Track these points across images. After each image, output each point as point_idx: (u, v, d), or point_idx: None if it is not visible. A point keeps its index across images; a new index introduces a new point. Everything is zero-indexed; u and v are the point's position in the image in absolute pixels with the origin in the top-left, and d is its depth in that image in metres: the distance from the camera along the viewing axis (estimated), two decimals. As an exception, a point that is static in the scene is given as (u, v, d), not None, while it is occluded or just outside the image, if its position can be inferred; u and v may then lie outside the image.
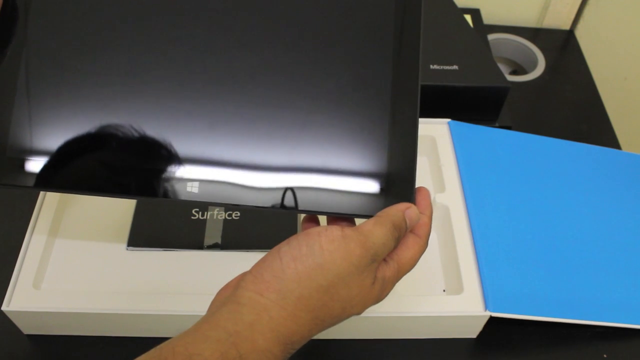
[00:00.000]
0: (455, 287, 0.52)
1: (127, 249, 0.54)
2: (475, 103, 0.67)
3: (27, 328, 0.51)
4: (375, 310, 0.49)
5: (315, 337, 0.51)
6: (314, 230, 0.33)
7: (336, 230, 0.32)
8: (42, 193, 0.55)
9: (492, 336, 0.52)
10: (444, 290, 0.53)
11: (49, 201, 0.54)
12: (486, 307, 0.49)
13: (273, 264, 0.32)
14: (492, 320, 0.50)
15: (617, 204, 0.60)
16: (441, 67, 0.67)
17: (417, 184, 0.62)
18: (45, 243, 0.52)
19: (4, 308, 0.47)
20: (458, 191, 0.57)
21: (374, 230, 0.33)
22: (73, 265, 0.52)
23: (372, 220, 0.34)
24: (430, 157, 0.62)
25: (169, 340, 0.31)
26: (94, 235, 0.54)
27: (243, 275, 0.34)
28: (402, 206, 0.35)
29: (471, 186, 0.57)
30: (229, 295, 0.33)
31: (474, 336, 0.52)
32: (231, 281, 0.35)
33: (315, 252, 0.32)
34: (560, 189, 0.60)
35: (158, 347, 0.31)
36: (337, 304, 0.33)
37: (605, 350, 0.52)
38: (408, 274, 0.55)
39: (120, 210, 0.56)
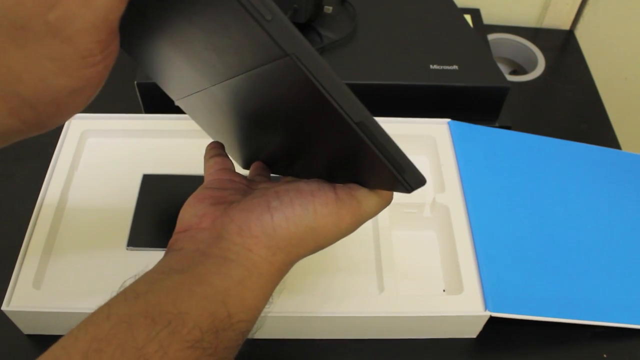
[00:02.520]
0: (455, 287, 0.52)
1: (127, 249, 0.54)
2: (475, 103, 0.67)
3: (27, 328, 0.51)
4: (375, 310, 0.49)
5: (315, 337, 0.52)
6: (306, 188, 0.32)
7: (330, 192, 0.32)
8: (41, 193, 0.55)
9: (492, 336, 0.52)
10: (444, 290, 0.53)
11: (49, 201, 0.55)
12: (486, 307, 0.49)
13: (263, 219, 0.31)
14: (492, 320, 0.50)
15: (617, 204, 0.60)
16: (441, 67, 0.67)
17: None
18: (45, 243, 0.52)
19: (4, 308, 0.47)
20: (458, 191, 0.57)
21: (368, 197, 0.33)
22: (73, 265, 0.52)
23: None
24: (430, 157, 0.62)
25: (144, 287, 0.30)
26: (94, 235, 0.54)
27: (222, 219, 0.33)
28: None
29: (471, 186, 0.57)
30: (209, 242, 0.32)
31: (474, 336, 0.52)
32: (201, 218, 0.34)
33: (309, 215, 0.32)
34: (560, 189, 0.60)
35: (134, 292, 0.29)
36: (315, 250, 0.34)
37: (605, 350, 0.52)
38: (408, 274, 0.55)
39: (120, 210, 0.56)
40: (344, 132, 0.28)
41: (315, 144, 0.34)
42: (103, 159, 0.60)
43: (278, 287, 0.33)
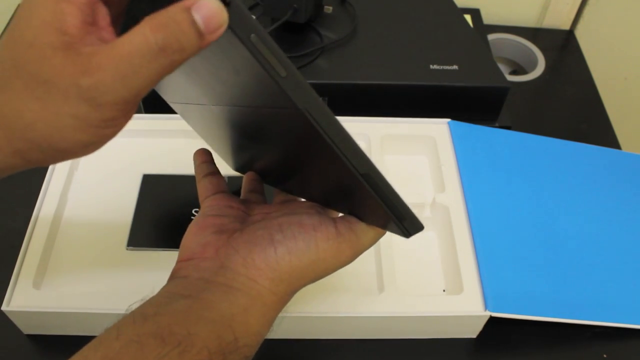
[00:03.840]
0: (455, 287, 0.52)
1: (127, 249, 0.54)
2: (475, 103, 0.67)
3: (27, 328, 0.51)
4: (375, 310, 0.49)
5: (315, 337, 0.52)
6: (309, 222, 0.34)
7: (331, 227, 0.34)
8: (41, 193, 0.55)
9: (492, 336, 0.52)
10: (444, 290, 0.53)
11: (49, 201, 0.54)
12: (486, 307, 0.49)
13: (267, 252, 0.33)
14: (492, 320, 0.50)
15: (617, 204, 0.60)
16: (441, 67, 0.67)
17: (418, 184, 0.62)
18: (45, 243, 0.52)
19: (4, 308, 0.47)
20: (458, 191, 0.57)
21: (366, 232, 0.35)
22: (73, 265, 0.52)
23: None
24: (430, 157, 0.62)
25: (152, 310, 0.31)
26: (94, 235, 0.54)
27: (226, 249, 0.34)
28: None
29: (471, 186, 0.57)
30: (214, 271, 0.33)
31: (474, 336, 0.52)
32: (204, 248, 0.35)
33: (311, 249, 0.33)
34: (560, 189, 0.60)
35: (142, 315, 0.30)
36: (315, 280, 0.36)
37: (605, 350, 0.52)
38: (408, 274, 0.55)
39: (120, 210, 0.56)
40: (348, 179, 0.30)
41: (315, 177, 0.35)
42: (103, 159, 0.60)
43: (280, 315, 0.35)
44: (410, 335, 0.52)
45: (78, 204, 0.56)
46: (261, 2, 0.70)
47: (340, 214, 0.37)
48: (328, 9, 0.72)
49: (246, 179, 0.45)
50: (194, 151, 0.49)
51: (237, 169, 0.49)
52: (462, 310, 0.49)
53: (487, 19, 0.84)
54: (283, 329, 0.50)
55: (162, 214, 0.56)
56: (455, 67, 0.67)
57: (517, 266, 0.52)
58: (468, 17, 0.82)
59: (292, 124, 0.29)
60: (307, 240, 0.33)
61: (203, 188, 0.41)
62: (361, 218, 0.35)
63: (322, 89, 0.65)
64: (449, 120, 0.63)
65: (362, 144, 0.62)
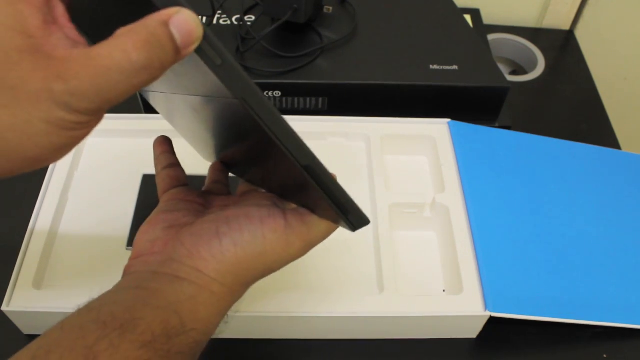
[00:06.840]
0: (455, 287, 0.52)
1: (127, 249, 0.54)
2: (475, 103, 0.67)
3: (27, 328, 0.51)
4: (375, 310, 0.49)
5: (314, 337, 0.51)
6: (256, 214, 0.34)
7: (279, 218, 0.33)
8: (41, 193, 0.55)
9: (492, 336, 0.52)
10: (443, 290, 0.53)
11: (49, 201, 0.54)
12: (486, 307, 0.49)
13: (212, 244, 0.33)
14: (492, 320, 0.50)
15: (617, 204, 0.60)
16: (441, 67, 0.67)
17: (418, 184, 0.62)
18: (45, 243, 0.52)
19: (4, 308, 0.47)
20: (458, 191, 0.57)
21: (318, 224, 0.34)
22: (73, 265, 0.52)
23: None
24: (430, 157, 0.62)
25: (98, 303, 0.31)
26: (94, 235, 0.54)
27: (173, 242, 0.34)
28: None
29: (471, 186, 0.57)
30: (161, 263, 0.33)
31: (474, 336, 0.52)
32: (153, 243, 0.35)
33: (257, 241, 0.33)
34: (560, 189, 0.60)
35: (87, 308, 0.30)
36: (267, 273, 0.35)
37: (605, 350, 0.52)
38: (408, 274, 0.55)
39: (120, 210, 0.56)
40: (293, 171, 0.30)
41: (270, 166, 0.35)
42: (103, 159, 0.60)
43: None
44: (410, 335, 0.52)
45: (78, 204, 0.56)
46: (261, 2, 0.70)
47: (294, 206, 0.37)
48: (328, 9, 0.72)
49: (211, 169, 0.44)
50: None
51: (207, 158, 0.49)
52: (462, 310, 0.49)
53: (487, 19, 0.84)
54: (281, 328, 0.51)
55: (162, 214, 0.56)
56: (455, 67, 0.67)
57: (517, 266, 0.52)
58: (468, 17, 0.82)
59: (237, 115, 0.29)
60: (253, 232, 0.33)
61: (161, 181, 0.41)
62: (313, 211, 0.34)
63: (322, 89, 0.65)
64: (449, 120, 0.63)
65: (362, 144, 0.62)
